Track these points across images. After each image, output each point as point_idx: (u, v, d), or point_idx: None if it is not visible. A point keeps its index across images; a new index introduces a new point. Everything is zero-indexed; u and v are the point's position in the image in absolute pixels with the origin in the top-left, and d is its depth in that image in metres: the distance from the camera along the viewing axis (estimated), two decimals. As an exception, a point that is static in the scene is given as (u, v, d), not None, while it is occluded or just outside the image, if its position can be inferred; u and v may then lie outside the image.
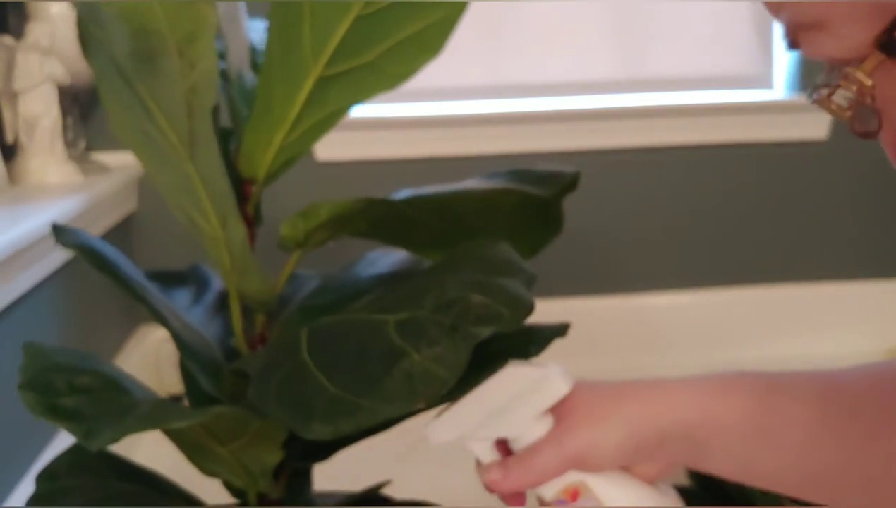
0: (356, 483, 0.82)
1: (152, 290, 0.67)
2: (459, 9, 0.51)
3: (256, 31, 0.68)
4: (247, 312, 0.69)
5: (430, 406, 0.54)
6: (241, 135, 0.57)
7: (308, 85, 0.54)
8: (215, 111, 0.52)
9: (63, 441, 1.27)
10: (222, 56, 0.62)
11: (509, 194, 0.62)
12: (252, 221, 0.62)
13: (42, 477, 0.66)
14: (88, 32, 0.51)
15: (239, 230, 0.54)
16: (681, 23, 1.88)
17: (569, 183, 0.66)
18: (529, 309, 0.54)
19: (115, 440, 0.52)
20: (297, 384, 0.54)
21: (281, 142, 0.56)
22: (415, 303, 0.53)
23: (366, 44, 0.52)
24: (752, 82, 1.91)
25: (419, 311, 0.53)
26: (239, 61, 0.62)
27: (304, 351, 0.54)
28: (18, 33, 1.44)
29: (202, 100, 0.47)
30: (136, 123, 0.52)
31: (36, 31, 1.40)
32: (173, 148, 0.51)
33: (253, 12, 0.68)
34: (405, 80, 0.54)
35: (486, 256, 0.56)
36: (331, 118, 0.56)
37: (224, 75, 0.62)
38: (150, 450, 1.48)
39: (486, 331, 0.52)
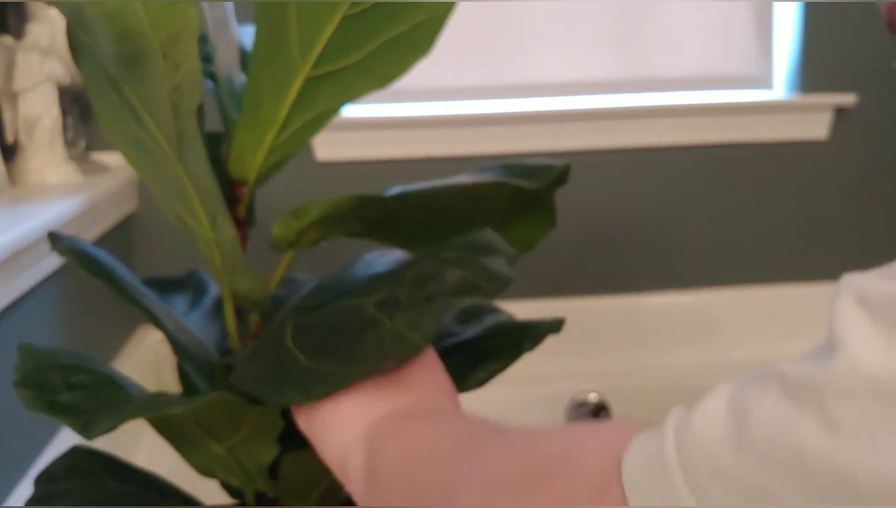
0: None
1: (148, 294, 0.68)
2: (447, 7, 0.51)
3: (247, 35, 0.68)
4: (242, 314, 0.69)
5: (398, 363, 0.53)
6: (231, 136, 0.57)
7: (297, 85, 0.54)
8: (200, 110, 0.53)
9: (62, 442, 1.27)
10: (210, 59, 0.62)
11: (501, 188, 0.63)
12: (244, 222, 0.62)
13: (40, 480, 0.66)
14: (76, 38, 0.51)
15: (228, 229, 0.54)
16: (681, 23, 1.88)
17: (559, 175, 0.66)
18: (507, 281, 0.54)
19: (113, 427, 0.52)
20: (277, 365, 0.54)
21: (271, 143, 0.56)
22: (395, 283, 0.54)
23: (353, 43, 0.52)
24: (752, 82, 1.91)
25: (397, 289, 0.53)
26: (228, 64, 0.62)
27: (288, 338, 0.55)
28: (18, 33, 1.44)
29: (187, 100, 0.47)
30: (125, 127, 0.52)
31: (36, 31, 1.40)
32: (162, 150, 0.51)
33: (242, 17, 0.68)
34: (395, 79, 0.54)
35: (468, 240, 0.57)
36: (321, 118, 0.56)
37: (213, 78, 0.63)
38: (149, 453, 1.48)
39: (461, 301, 0.52)
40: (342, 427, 0.52)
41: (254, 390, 0.55)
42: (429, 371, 0.54)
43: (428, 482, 0.42)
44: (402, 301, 0.52)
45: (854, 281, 0.26)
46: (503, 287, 0.53)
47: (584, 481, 0.32)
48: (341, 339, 0.53)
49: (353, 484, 0.50)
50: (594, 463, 0.32)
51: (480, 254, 0.55)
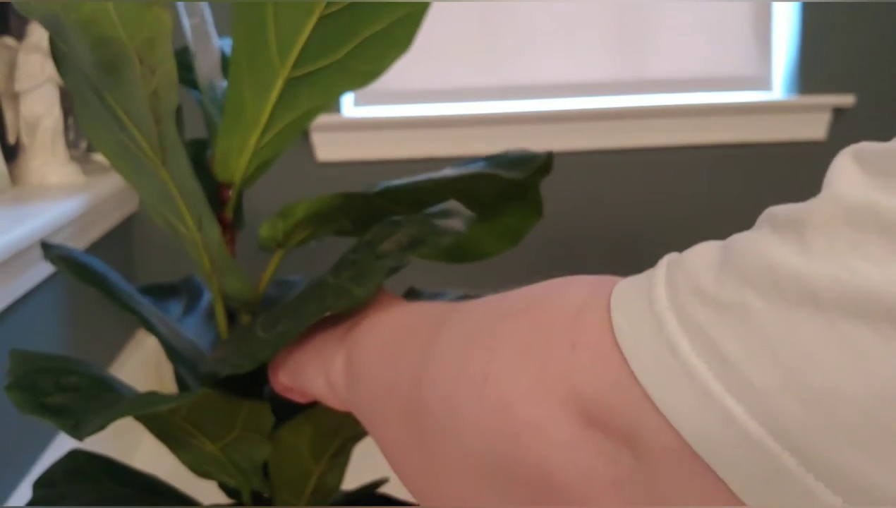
0: (355, 483, 0.82)
1: (141, 300, 0.68)
2: (425, 3, 0.51)
3: (227, 46, 0.69)
4: (235, 316, 0.69)
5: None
6: (215, 140, 0.57)
7: (277, 87, 0.54)
8: (178, 114, 0.53)
9: (61, 445, 1.28)
10: (191, 68, 0.62)
11: (486, 179, 0.62)
12: (231, 224, 0.62)
13: (39, 484, 0.67)
14: (58, 48, 0.52)
15: (214, 231, 0.54)
16: (680, 23, 1.88)
17: (543, 164, 0.66)
18: (455, 234, 0.54)
19: (102, 426, 0.53)
20: (240, 346, 0.55)
21: (255, 145, 0.57)
22: (351, 253, 0.54)
23: (332, 43, 0.52)
24: (752, 83, 1.91)
25: (352, 255, 0.54)
26: (210, 71, 0.62)
27: (258, 325, 0.56)
28: (20, 34, 1.45)
29: (165, 104, 0.48)
30: (110, 135, 0.53)
31: (37, 32, 1.41)
32: (146, 156, 0.51)
33: (221, 29, 0.69)
34: (375, 77, 0.54)
35: (428, 211, 0.57)
36: (303, 118, 0.56)
37: (195, 86, 0.63)
38: (148, 455, 1.49)
39: (408, 256, 0.52)
40: (316, 354, 0.53)
41: (212, 369, 0.56)
42: (387, 295, 0.56)
43: (406, 352, 0.42)
44: (351, 261, 0.53)
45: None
46: (449, 242, 0.53)
47: (569, 306, 0.33)
48: (293, 307, 0.54)
49: (340, 391, 0.51)
50: (581, 293, 0.33)
51: (438, 218, 0.55)
